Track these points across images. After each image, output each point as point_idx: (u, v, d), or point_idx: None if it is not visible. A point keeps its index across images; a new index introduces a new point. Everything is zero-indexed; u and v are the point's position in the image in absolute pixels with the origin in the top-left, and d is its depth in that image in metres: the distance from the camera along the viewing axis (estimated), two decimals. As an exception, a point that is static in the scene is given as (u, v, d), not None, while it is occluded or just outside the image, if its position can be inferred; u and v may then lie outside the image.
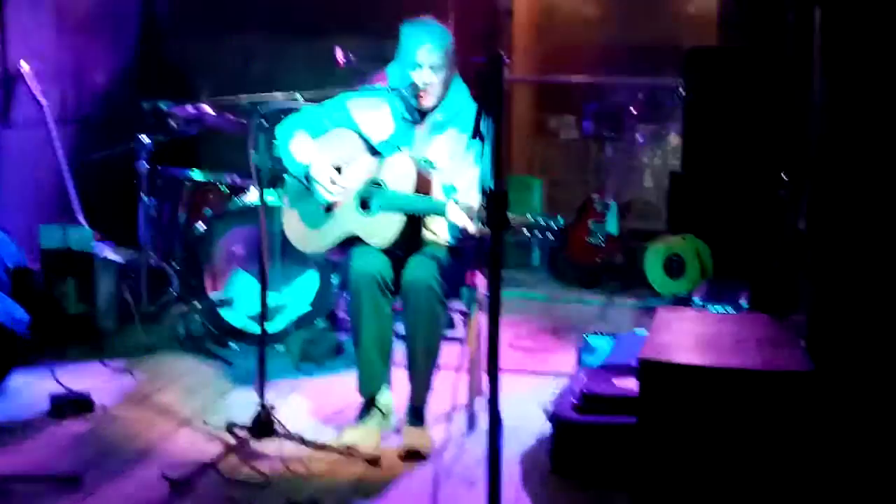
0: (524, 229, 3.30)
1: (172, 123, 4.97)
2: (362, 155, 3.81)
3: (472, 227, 3.44)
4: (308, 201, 3.83)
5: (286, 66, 6.13)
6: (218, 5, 6.40)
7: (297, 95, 3.59)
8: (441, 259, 3.65)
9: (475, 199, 3.52)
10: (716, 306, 4.66)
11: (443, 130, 3.78)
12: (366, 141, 3.85)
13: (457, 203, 3.50)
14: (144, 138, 4.92)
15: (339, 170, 3.78)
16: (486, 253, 2.70)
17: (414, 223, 3.68)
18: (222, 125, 5.02)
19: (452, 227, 3.55)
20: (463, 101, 3.81)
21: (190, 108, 4.92)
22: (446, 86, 3.77)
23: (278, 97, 3.59)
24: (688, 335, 3.27)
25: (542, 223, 3.30)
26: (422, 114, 3.80)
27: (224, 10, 6.38)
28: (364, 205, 3.73)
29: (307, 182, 3.76)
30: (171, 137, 5.01)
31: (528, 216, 3.31)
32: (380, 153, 3.81)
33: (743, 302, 4.70)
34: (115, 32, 6.01)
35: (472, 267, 3.86)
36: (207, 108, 4.96)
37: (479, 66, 2.59)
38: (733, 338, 3.23)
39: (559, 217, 3.31)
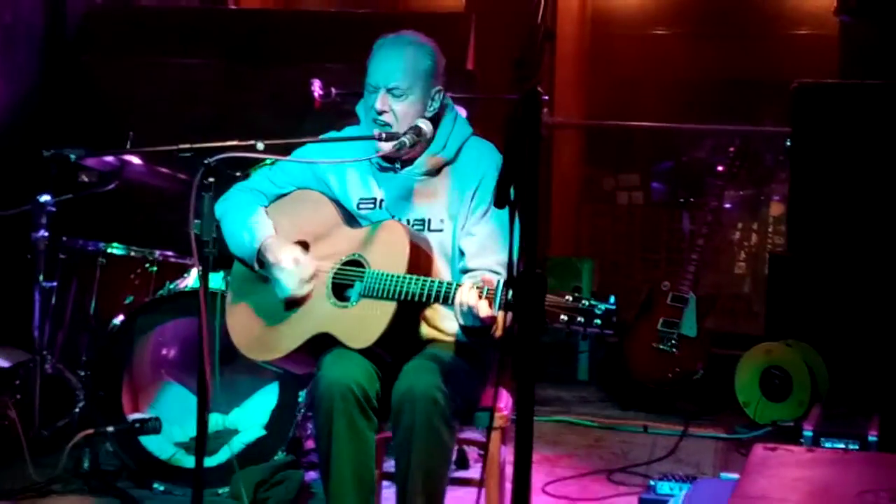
0: (560, 316, 3.28)
1: (84, 178, 4.98)
2: (335, 225, 3.82)
3: (485, 311, 3.42)
4: (260, 292, 3.80)
5: (244, 102, 6.18)
6: (153, 20, 6.48)
7: (259, 144, 3.59)
8: (448, 364, 3.60)
9: (493, 261, 3.58)
10: (833, 441, 4.63)
11: (438, 175, 3.80)
12: (339, 206, 3.86)
13: (475, 278, 3.49)
14: (45, 198, 4.93)
15: (304, 246, 3.78)
16: (512, 360, 2.63)
17: (409, 315, 3.65)
18: (153, 181, 5.02)
19: (465, 316, 3.52)
20: (468, 141, 3.84)
21: (109, 158, 4.93)
22: (425, 117, 3.77)
23: (232, 146, 3.58)
24: (794, 483, 3.22)
25: (584, 305, 3.28)
26: (403, 161, 3.82)
27: (162, 28, 6.46)
28: (339, 293, 3.71)
29: (258, 266, 3.76)
30: (80, 196, 5.01)
31: (566, 297, 3.29)
32: (358, 221, 3.82)
33: (871, 436, 4.65)
34: (7, 53, 6.07)
35: (493, 380, 3.81)
36: (133, 159, 4.97)
37: (507, 107, 2.61)
38: (857, 488, 3.18)
39: (611, 297, 3.27)
